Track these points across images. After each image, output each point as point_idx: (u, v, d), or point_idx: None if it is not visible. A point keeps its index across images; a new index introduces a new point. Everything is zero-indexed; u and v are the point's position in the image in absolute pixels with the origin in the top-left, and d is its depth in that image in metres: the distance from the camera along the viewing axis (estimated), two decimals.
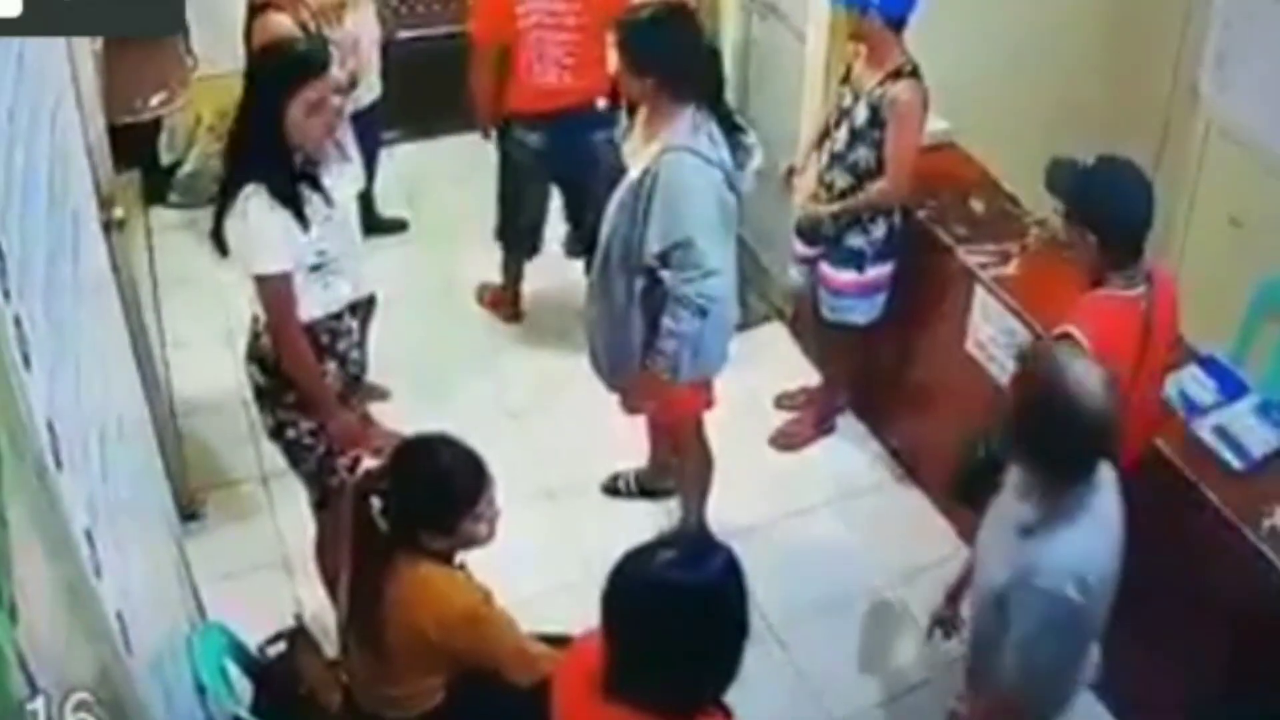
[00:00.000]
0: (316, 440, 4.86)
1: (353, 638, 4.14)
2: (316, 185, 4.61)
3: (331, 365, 4.80)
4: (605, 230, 4.97)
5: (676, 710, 3.04)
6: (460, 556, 4.12)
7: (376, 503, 3.94)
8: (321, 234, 4.60)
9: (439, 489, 3.97)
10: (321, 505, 5.06)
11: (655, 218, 4.83)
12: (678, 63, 4.90)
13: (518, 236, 7.00)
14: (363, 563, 4.00)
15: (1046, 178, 4.25)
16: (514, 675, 4.00)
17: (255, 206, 4.46)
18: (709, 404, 5.46)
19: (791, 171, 5.94)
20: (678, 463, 5.82)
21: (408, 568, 3.95)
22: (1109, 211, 4.14)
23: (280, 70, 4.56)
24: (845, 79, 5.75)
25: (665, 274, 4.92)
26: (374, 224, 7.08)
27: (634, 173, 4.89)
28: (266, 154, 4.49)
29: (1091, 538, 3.63)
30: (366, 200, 6.93)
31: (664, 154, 4.83)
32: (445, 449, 4.04)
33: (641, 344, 5.12)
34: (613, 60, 5.81)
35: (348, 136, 5.81)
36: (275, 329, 4.62)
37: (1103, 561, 3.64)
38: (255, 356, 4.79)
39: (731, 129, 5.03)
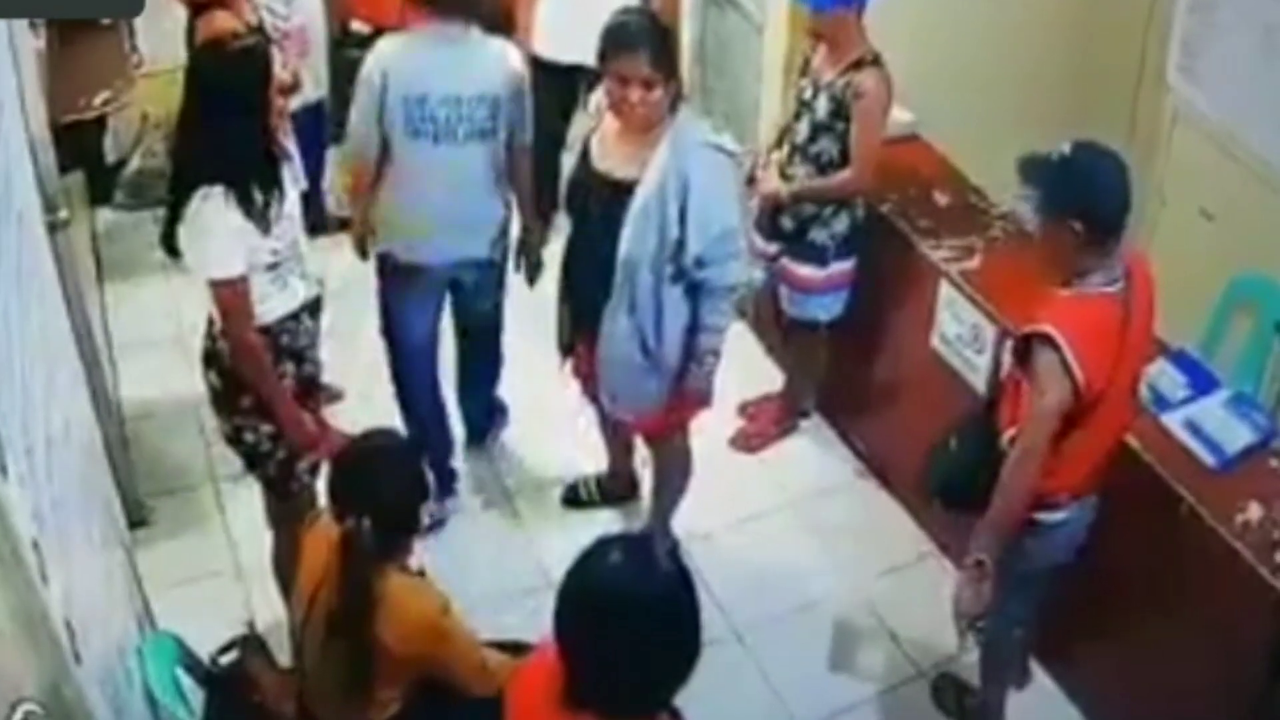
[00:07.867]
0: (276, 445, 4.79)
1: (321, 653, 4.05)
2: (279, 184, 4.57)
3: (289, 366, 4.74)
4: (625, 249, 4.83)
5: (634, 716, 3.02)
6: (418, 561, 4.09)
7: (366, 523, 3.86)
8: (278, 233, 4.54)
9: (417, 485, 3.99)
10: (281, 512, 4.98)
11: (695, 217, 4.76)
12: None
13: None
14: (352, 582, 3.90)
15: (1020, 174, 4.18)
16: (471, 686, 3.98)
17: (210, 209, 4.39)
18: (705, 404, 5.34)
19: (752, 180, 5.84)
20: (658, 468, 5.69)
21: (378, 578, 3.90)
22: (1092, 197, 4.08)
23: (258, 69, 4.51)
24: (805, 71, 5.67)
25: (708, 272, 4.85)
26: (323, 222, 6.96)
27: (651, 180, 4.79)
28: (250, 157, 4.45)
29: None
30: (314, 198, 6.82)
31: (686, 153, 4.77)
32: (391, 444, 4.11)
33: (682, 356, 5.05)
34: None
35: (288, 136, 5.73)
36: (232, 333, 4.55)
37: None
38: (211, 361, 4.72)
39: None
